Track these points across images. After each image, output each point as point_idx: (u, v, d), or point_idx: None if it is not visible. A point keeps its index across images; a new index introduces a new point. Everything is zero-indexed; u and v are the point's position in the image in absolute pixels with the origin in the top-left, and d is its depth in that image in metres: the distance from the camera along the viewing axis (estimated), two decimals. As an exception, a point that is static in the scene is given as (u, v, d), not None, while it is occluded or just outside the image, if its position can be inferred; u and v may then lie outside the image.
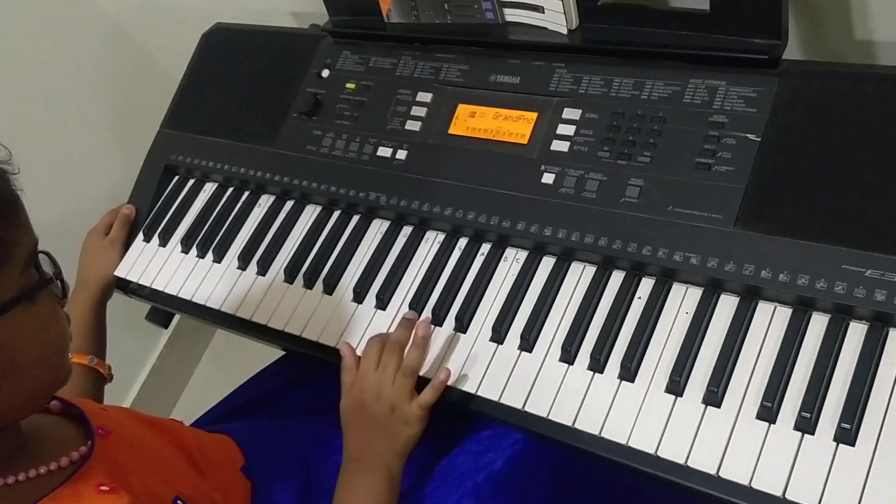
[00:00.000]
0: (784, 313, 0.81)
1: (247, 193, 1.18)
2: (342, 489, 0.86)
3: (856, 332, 0.77)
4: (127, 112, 1.69)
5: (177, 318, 1.86)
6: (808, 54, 1.02)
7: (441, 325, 0.94)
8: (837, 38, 0.99)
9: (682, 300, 0.86)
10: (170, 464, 0.80)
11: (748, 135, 0.86)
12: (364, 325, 0.98)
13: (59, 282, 0.66)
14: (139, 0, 1.57)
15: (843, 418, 0.73)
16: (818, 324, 0.79)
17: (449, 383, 0.89)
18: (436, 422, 0.92)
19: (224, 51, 1.28)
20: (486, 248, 0.97)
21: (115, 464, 0.70)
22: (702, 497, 0.77)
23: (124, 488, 0.67)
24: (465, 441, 0.95)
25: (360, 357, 0.93)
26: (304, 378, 1.11)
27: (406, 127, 1.06)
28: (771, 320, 0.81)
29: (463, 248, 0.98)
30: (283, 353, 1.16)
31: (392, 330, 0.95)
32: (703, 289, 0.85)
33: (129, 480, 0.69)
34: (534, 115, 0.98)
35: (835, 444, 0.73)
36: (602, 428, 0.82)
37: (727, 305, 0.84)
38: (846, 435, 0.72)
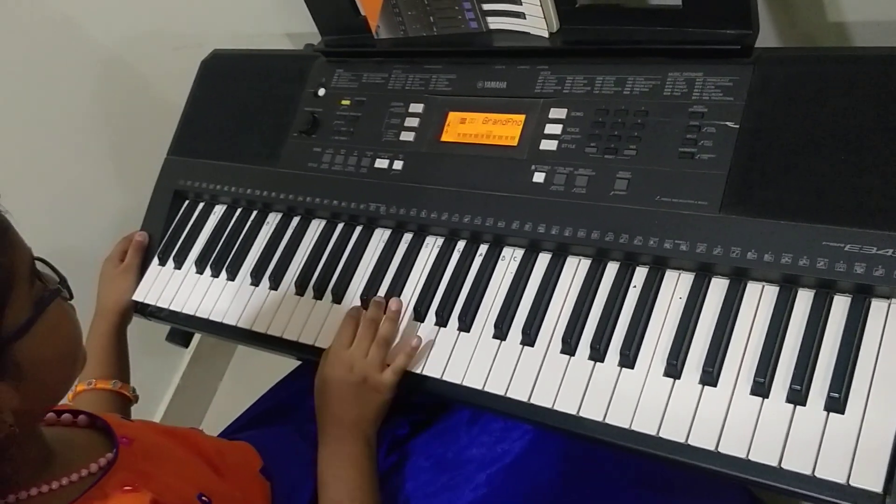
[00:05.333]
0: (772, 292, 0.84)
1: (255, 213, 1.22)
2: (325, 465, 0.91)
3: (840, 305, 0.80)
4: (130, 141, 1.73)
5: (197, 337, 1.91)
6: (784, 40, 1.05)
7: (445, 326, 0.98)
8: (811, 23, 1.02)
9: (676, 286, 0.89)
10: (190, 466, 0.85)
11: (727, 122, 0.89)
12: (373, 331, 1.02)
13: (64, 289, 0.71)
14: (134, 31, 1.61)
15: (832, 388, 0.76)
16: (804, 299, 0.82)
17: (456, 381, 0.93)
18: (448, 416, 0.96)
19: (223, 76, 1.33)
20: (483, 248, 1.01)
21: (139, 468, 0.75)
22: (704, 472, 0.80)
23: (147, 488, 0.71)
24: (477, 434, 0.99)
25: None
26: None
27: (400, 138, 1.10)
28: (760, 299, 0.84)
29: (461, 250, 1.02)
30: (300, 363, 1.20)
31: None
32: (694, 274, 0.88)
33: (151, 482, 0.74)
34: (521, 118, 1.02)
35: (825, 412, 0.76)
36: (605, 414, 0.85)
37: (718, 288, 0.87)
38: (835, 403, 0.75)
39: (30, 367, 0.64)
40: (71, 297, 0.72)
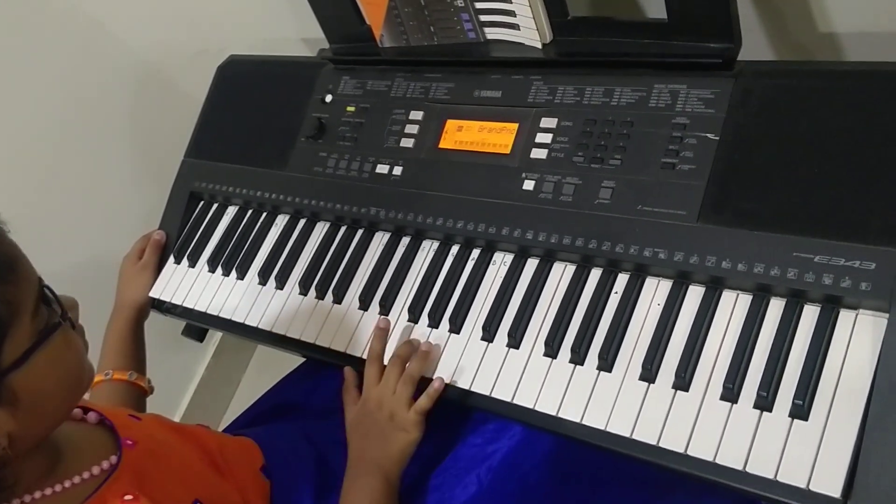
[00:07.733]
0: (745, 300, 0.86)
1: (264, 215, 1.27)
2: (343, 495, 0.94)
3: (809, 315, 0.82)
4: (152, 144, 1.79)
5: (220, 333, 1.97)
6: (776, 51, 1.07)
7: (437, 328, 1.02)
8: (801, 33, 1.03)
9: (655, 293, 0.92)
10: (191, 468, 0.88)
11: (707, 134, 0.92)
12: (369, 330, 1.06)
13: (67, 321, 0.71)
14: (157, 37, 1.67)
15: (796, 395, 0.78)
16: (775, 308, 0.84)
17: (446, 381, 0.97)
18: (439, 417, 0.99)
19: (237, 81, 1.38)
20: (475, 253, 1.04)
21: (139, 473, 0.78)
22: (673, 474, 0.83)
23: (146, 495, 0.74)
24: (468, 435, 1.02)
25: (360, 376, 1.02)
26: (321, 382, 1.19)
27: (401, 144, 1.14)
28: (734, 307, 0.87)
29: (455, 254, 1.06)
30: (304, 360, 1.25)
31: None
32: (672, 281, 0.91)
33: (151, 488, 0.77)
34: (514, 126, 1.05)
35: (790, 419, 0.78)
36: (583, 415, 0.88)
37: (695, 295, 0.89)
38: (799, 410, 0.78)
39: (28, 394, 0.65)
40: (73, 325, 0.72)
